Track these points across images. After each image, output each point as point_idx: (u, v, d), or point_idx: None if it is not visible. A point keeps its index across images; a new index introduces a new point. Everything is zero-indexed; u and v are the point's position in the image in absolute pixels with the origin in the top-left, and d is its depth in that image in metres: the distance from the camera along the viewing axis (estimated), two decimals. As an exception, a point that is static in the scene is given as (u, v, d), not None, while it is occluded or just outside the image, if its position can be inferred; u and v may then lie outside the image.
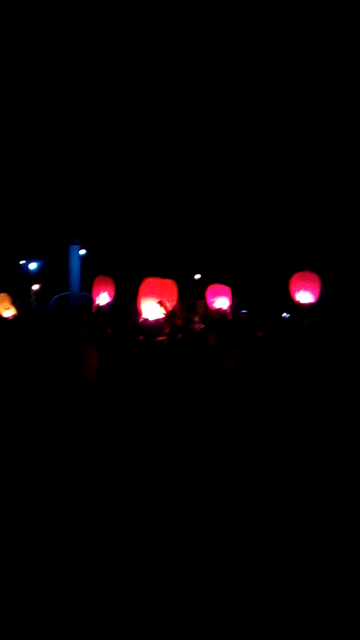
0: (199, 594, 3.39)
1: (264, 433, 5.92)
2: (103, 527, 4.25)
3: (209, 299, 8.93)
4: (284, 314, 9.04)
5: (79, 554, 3.86)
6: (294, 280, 8.43)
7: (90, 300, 8.90)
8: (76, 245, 23.31)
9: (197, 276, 22.35)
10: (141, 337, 6.67)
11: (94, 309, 8.24)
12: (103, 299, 8.35)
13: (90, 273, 10.09)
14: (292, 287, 8.44)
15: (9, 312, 8.35)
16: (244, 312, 9.72)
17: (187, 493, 4.92)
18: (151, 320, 6.92)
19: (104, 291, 8.43)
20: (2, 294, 8.46)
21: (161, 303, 6.67)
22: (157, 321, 6.73)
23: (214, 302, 8.87)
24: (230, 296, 8.85)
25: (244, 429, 5.80)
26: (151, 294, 6.80)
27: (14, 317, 8.33)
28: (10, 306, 8.41)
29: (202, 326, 7.47)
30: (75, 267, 23.19)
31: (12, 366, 7.20)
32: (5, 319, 8.29)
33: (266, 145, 22.07)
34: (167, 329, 6.66)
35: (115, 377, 6.89)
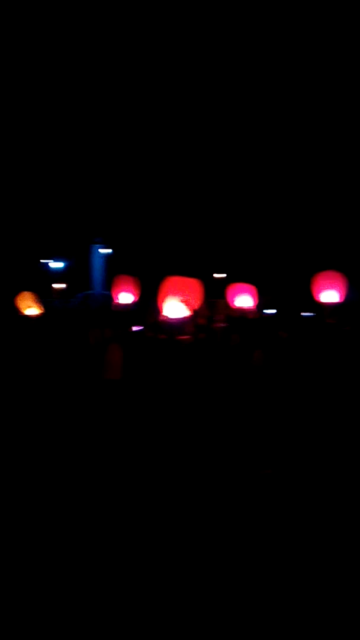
0: (215, 593, 3.37)
1: (287, 433, 5.86)
2: (116, 525, 4.26)
3: (230, 298, 8.89)
4: (305, 313, 8.95)
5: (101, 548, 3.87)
6: (317, 280, 8.35)
7: (112, 300, 8.96)
8: (99, 245, 23.50)
9: (217, 275, 22.34)
10: (163, 336, 6.67)
11: (114, 308, 8.29)
12: (124, 298, 8.39)
13: (115, 272, 10.16)
14: (315, 286, 8.36)
15: (32, 310, 8.44)
16: (267, 312, 9.66)
17: (206, 492, 4.89)
18: (172, 319, 6.92)
19: (125, 290, 8.46)
20: (25, 293, 8.56)
21: (186, 302, 6.66)
22: (179, 320, 6.73)
23: (235, 301, 8.84)
24: (256, 295, 8.78)
25: (266, 429, 5.75)
26: (175, 292, 6.80)
27: (39, 315, 8.44)
28: (33, 304, 8.50)
29: (225, 325, 7.45)
30: (97, 266, 23.40)
31: (35, 364, 7.29)
32: (29, 317, 8.39)
33: (290, 142, 21.88)
34: (191, 328, 6.66)
35: (139, 376, 6.91)
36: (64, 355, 7.27)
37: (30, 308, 8.45)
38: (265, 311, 9.94)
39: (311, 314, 9.36)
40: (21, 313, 8.38)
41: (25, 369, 7.23)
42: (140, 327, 7.30)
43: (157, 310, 7.27)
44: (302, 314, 9.53)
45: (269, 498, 4.80)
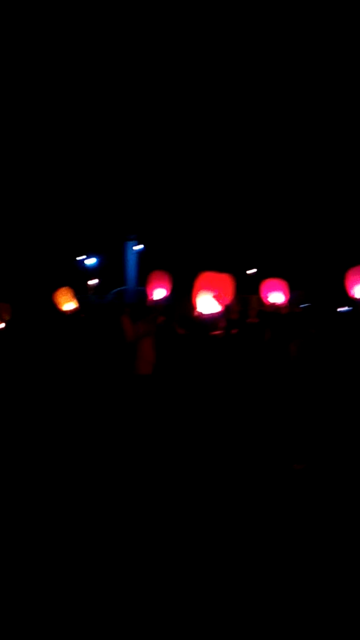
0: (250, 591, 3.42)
1: (322, 429, 5.86)
2: (159, 515, 4.37)
3: (263, 294, 8.84)
4: (342, 308, 8.83)
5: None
6: (350, 275, 8.24)
7: (146, 295, 9.05)
8: (133, 241, 23.76)
9: (250, 271, 22.20)
10: (183, 331, 6.76)
11: (148, 304, 8.37)
12: (158, 294, 8.47)
13: (148, 268, 10.28)
14: (348, 281, 8.26)
15: (70, 305, 8.66)
16: (300, 307, 9.58)
17: (241, 487, 4.95)
18: (206, 315, 6.96)
19: (160, 286, 8.54)
20: (64, 288, 8.78)
21: (218, 297, 6.69)
22: (212, 315, 6.78)
23: (268, 297, 8.77)
24: (287, 291, 8.70)
25: (301, 424, 5.76)
26: (207, 288, 6.83)
27: (75, 310, 8.65)
28: (72, 300, 8.72)
29: (257, 321, 7.45)
30: (131, 262, 23.68)
31: (71, 358, 7.48)
32: (66, 312, 8.61)
33: (323, 136, 21.51)
34: (223, 323, 6.70)
35: (171, 371, 7.01)
36: (99, 349, 7.43)
37: (68, 303, 8.67)
38: (301, 306, 9.85)
39: (348, 308, 9.21)
40: (59, 308, 8.60)
41: (62, 362, 7.43)
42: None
43: (190, 306, 7.33)
44: (339, 309, 9.40)
45: (302, 493, 4.83)
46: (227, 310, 6.80)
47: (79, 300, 9.30)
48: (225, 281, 7.18)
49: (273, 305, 8.48)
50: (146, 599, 3.26)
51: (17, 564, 3.64)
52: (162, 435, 6.07)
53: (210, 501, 4.64)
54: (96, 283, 25.58)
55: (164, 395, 6.73)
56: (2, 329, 7.60)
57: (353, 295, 8.17)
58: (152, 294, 8.55)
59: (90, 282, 25.38)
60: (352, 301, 8.29)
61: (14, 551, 3.81)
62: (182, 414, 6.31)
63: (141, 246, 24.08)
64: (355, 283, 8.12)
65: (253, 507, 4.52)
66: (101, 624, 3.03)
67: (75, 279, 19.83)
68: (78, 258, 27.19)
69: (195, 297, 7.06)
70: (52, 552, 3.78)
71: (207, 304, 6.79)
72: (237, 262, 17.89)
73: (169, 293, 8.57)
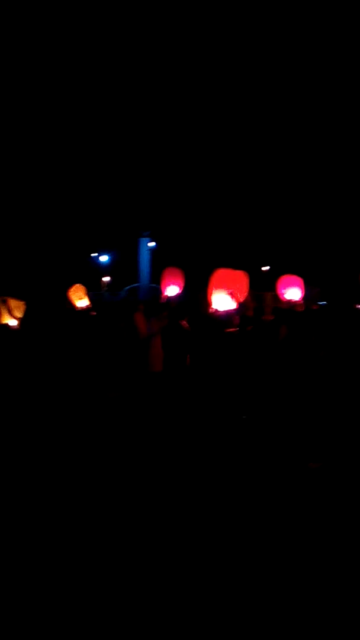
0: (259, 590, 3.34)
1: (337, 427, 5.75)
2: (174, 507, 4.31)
3: (280, 290, 8.72)
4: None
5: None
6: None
7: (160, 292, 9.01)
8: (146, 238, 23.75)
9: (265, 268, 22.04)
10: (188, 327, 6.72)
11: (162, 301, 8.33)
12: (172, 290, 8.42)
13: (160, 265, 10.23)
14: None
15: (83, 302, 8.65)
16: (317, 304, 9.43)
17: (255, 484, 4.87)
18: (221, 312, 6.90)
19: (173, 283, 8.49)
20: (77, 285, 8.78)
21: (232, 294, 6.62)
22: (227, 312, 6.71)
23: (285, 294, 8.65)
24: (303, 287, 8.58)
25: (317, 422, 5.66)
26: (222, 285, 6.76)
27: (88, 307, 8.64)
28: (85, 296, 8.71)
29: (272, 318, 7.35)
30: (145, 259, 23.67)
31: (83, 354, 7.45)
32: (79, 308, 8.60)
33: (340, 133, 21.26)
34: (238, 320, 6.63)
35: (183, 368, 6.94)
36: (111, 346, 7.39)
37: (81, 300, 8.66)
38: (320, 303, 9.69)
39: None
40: (73, 304, 8.60)
41: (74, 359, 7.40)
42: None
43: (204, 303, 7.26)
44: (357, 305, 9.21)
45: (318, 492, 4.74)
46: (241, 307, 6.72)
47: (92, 298, 9.28)
48: (240, 278, 7.11)
49: (289, 302, 8.36)
50: (147, 597, 3.20)
51: (18, 564, 3.60)
52: (176, 433, 6.01)
53: (221, 500, 4.56)
54: (109, 280, 25.60)
55: (178, 393, 6.68)
56: (15, 326, 7.59)
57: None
58: (165, 291, 8.50)
59: (104, 279, 25.41)
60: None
61: (14, 550, 3.77)
62: (196, 411, 6.25)
63: (154, 243, 24.06)
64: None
65: (266, 506, 4.44)
66: (101, 623, 2.99)
67: (89, 276, 19.88)
68: (92, 255, 27.24)
69: (211, 294, 6.99)
70: (53, 551, 3.73)
71: (222, 301, 6.72)
72: (252, 259, 17.76)
73: (182, 290, 8.52)
